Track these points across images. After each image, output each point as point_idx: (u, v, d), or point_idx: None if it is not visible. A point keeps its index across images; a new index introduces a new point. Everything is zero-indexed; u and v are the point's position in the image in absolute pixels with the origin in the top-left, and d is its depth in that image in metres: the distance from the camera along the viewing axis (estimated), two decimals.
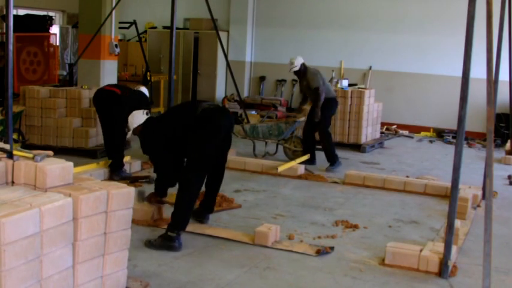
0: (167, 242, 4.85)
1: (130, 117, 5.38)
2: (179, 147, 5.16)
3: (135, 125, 5.34)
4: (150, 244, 4.89)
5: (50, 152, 3.70)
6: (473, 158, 9.75)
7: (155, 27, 14.68)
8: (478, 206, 6.64)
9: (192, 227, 5.36)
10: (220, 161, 5.47)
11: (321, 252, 4.91)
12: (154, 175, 7.16)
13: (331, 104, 8.37)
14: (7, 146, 3.64)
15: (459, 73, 4.58)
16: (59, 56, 14.43)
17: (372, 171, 8.29)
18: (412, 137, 11.86)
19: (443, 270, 4.53)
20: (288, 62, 8.55)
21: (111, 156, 7.27)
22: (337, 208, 6.44)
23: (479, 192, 6.81)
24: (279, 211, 6.19)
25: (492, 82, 3.92)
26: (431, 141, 11.50)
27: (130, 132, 5.42)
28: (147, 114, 5.37)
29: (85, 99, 8.65)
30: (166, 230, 4.93)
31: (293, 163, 8.01)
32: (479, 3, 4.22)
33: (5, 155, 3.54)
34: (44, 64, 12.75)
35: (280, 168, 7.64)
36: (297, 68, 8.33)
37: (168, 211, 5.80)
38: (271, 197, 6.76)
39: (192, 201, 4.99)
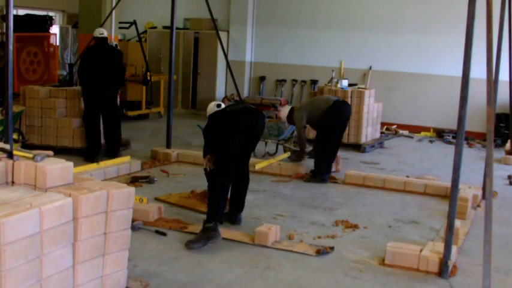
0: (206, 234, 4.95)
1: (208, 107, 5.75)
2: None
3: (207, 115, 5.65)
4: (190, 243, 4.91)
5: (50, 152, 3.70)
6: (473, 158, 9.75)
7: (155, 27, 14.68)
8: (478, 206, 6.64)
9: (192, 227, 5.37)
10: (242, 160, 5.56)
11: (321, 252, 4.92)
12: (154, 175, 7.24)
13: (329, 113, 7.68)
14: (7, 146, 3.65)
15: (459, 73, 4.58)
16: (59, 56, 14.44)
17: (372, 171, 8.28)
18: (412, 137, 11.86)
19: (443, 270, 4.53)
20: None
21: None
22: (337, 208, 6.44)
23: (479, 192, 6.80)
24: (279, 211, 6.19)
25: (492, 82, 3.92)
26: (431, 141, 11.50)
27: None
28: (218, 106, 5.66)
29: None
30: (203, 224, 5.05)
31: (272, 161, 8.11)
32: (479, 3, 4.22)
33: (5, 155, 3.54)
34: (44, 64, 12.76)
35: (258, 166, 7.80)
36: (286, 120, 8.19)
37: (168, 211, 5.81)
38: (271, 197, 6.76)
39: (222, 194, 5.21)
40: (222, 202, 5.23)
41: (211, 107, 5.66)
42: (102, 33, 8.26)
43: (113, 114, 8.29)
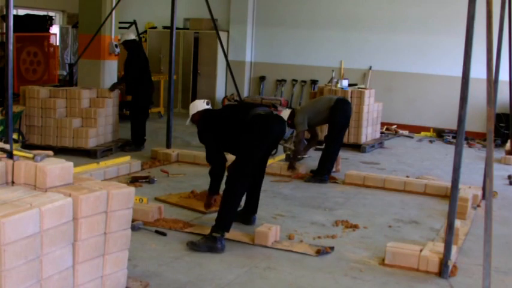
0: (210, 243, 4.84)
1: (191, 105, 5.61)
2: (226, 145, 5.38)
3: (194, 112, 5.53)
4: (193, 245, 4.86)
5: (50, 152, 3.70)
6: (473, 158, 9.75)
7: (155, 27, 14.68)
8: (478, 206, 6.64)
9: (193, 227, 5.37)
10: (262, 163, 5.54)
11: (321, 252, 4.91)
12: (154, 175, 7.22)
13: (335, 112, 7.65)
14: (7, 146, 3.65)
15: (459, 73, 4.58)
16: (59, 56, 14.42)
17: (372, 171, 8.28)
18: (412, 137, 11.86)
19: (443, 270, 4.53)
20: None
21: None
22: (337, 208, 6.44)
23: (479, 192, 6.81)
24: (279, 211, 6.19)
25: (492, 82, 3.92)
26: (431, 141, 11.50)
27: (189, 119, 5.61)
28: (207, 104, 5.55)
29: (85, 99, 8.65)
30: (210, 231, 4.93)
31: (272, 161, 8.10)
32: (479, 3, 4.22)
33: (5, 155, 3.54)
34: (44, 64, 12.75)
35: None
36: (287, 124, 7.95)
37: (168, 211, 5.81)
38: (271, 197, 6.76)
39: (236, 203, 5.09)
40: (235, 211, 5.14)
41: (200, 104, 5.52)
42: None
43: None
